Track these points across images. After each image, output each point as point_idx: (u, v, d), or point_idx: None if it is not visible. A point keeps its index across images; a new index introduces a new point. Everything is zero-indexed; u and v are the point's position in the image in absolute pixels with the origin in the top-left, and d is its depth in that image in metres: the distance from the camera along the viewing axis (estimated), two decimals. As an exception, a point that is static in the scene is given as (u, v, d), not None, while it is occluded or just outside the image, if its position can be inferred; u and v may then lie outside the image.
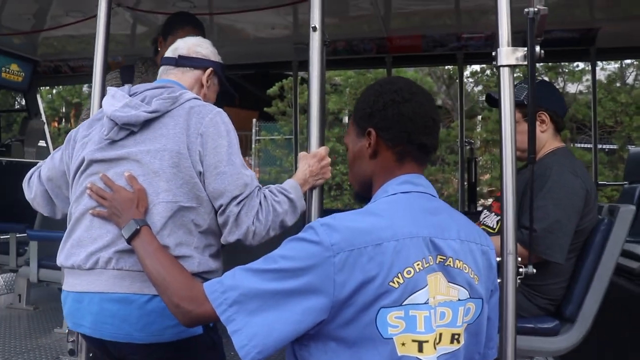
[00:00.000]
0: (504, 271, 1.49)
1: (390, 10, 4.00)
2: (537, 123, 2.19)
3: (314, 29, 1.70)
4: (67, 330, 2.01)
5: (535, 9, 1.54)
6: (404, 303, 1.07)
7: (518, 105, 1.89)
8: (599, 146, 6.37)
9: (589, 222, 2.04)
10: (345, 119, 11.35)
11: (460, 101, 5.24)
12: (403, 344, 1.07)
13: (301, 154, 1.68)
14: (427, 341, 1.08)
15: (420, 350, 1.08)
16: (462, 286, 1.16)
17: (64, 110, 14.21)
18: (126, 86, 1.61)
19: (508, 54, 1.57)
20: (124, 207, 1.42)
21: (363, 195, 1.33)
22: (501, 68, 1.58)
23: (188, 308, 1.15)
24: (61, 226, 3.60)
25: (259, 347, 1.05)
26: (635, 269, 2.57)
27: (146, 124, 1.50)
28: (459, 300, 1.15)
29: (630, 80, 10.77)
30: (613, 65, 10.50)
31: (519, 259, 1.49)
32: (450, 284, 1.14)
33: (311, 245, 1.07)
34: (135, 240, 1.38)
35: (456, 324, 1.15)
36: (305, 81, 2.36)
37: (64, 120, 14.37)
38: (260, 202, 1.47)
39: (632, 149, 4.20)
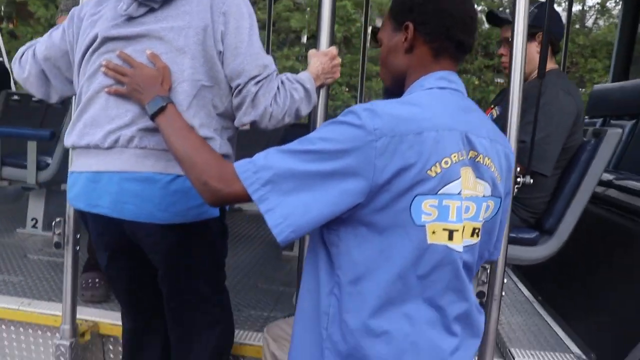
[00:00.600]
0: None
1: None
2: (535, 43, 2.22)
3: None
4: (54, 222, 1.96)
5: None
6: (439, 192, 1.09)
7: None
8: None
9: (575, 141, 2.13)
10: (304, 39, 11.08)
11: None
12: (434, 232, 1.10)
13: (311, 52, 1.64)
14: (457, 230, 1.12)
15: (450, 238, 1.11)
16: (487, 183, 1.19)
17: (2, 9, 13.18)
18: None
19: None
20: (147, 83, 1.37)
21: (393, 91, 1.32)
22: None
23: (217, 186, 1.13)
24: (24, 122, 3.44)
25: (293, 226, 1.05)
26: (600, 193, 2.74)
27: (168, 0, 1.43)
28: (484, 196, 1.19)
29: (589, 24, 10.97)
30: (575, 7, 10.65)
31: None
32: (478, 179, 1.17)
33: (353, 129, 1.06)
34: (160, 117, 1.33)
35: (478, 219, 1.19)
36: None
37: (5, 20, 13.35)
38: (278, 86, 1.45)
39: (596, 86, 4.31)
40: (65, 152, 2.33)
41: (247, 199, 1.09)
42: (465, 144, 1.14)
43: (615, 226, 2.54)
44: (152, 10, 1.43)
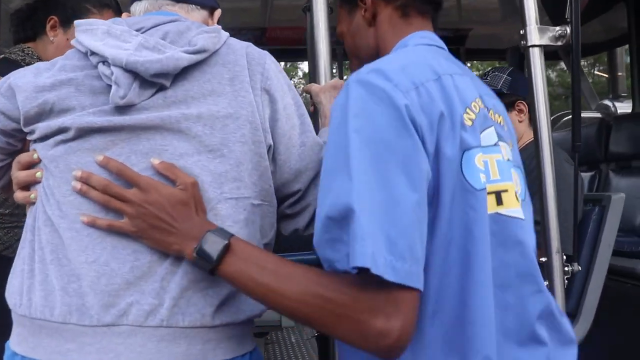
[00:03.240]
0: (552, 272, 1.40)
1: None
2: (515, 112, 2.12)
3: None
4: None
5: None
6: (480, 145, 0.88)
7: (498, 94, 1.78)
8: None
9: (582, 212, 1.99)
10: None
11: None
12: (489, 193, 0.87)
13: (315, 87, 1.30)
14: (505, 191, 0.90)
15: (500, 203, 0.89)
16: (507, 144, 0.97)
17: None
18: (117, 18, 1.04)
19: (539, 33, 1.43)
20: (178, 215, 0.87)
21: None
22: (531, 49, 1.44)
23: (388, 323, 0.71)
24: None
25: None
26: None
27: (183, 74, 0.94)
28: (508, 160, 0.96)
29: None
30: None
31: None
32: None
33: (388, 108, 0.79)
34: (227, 264, 0.83)
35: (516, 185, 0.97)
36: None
37: None
38: None
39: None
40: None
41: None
42: (476, 93, 0.93)
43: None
44: (161, 89, 0.93)
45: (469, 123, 0.86)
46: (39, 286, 0.90)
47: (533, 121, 1.46)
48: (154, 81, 0.92)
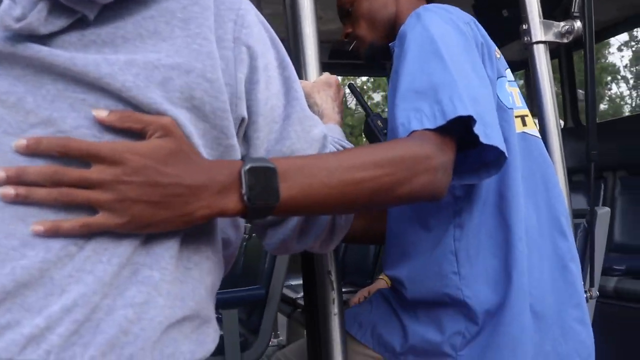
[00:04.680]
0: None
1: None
2: None
3: None
4: None
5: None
6: (508, 78, 1.04)
7: None
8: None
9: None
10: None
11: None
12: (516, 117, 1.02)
13: (306, 86, 1.05)
14: (527, 116, 1.06)
15: (525, 124, 1.04)
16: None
17: None
18: None
19: (544, 28, 1.30)
20: (176, 171, 0.60)
21: (380, 46, 1.17)
22: (535, 46, 1.31)
23: (439, 159, 0.77)
24: None
25: None
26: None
27: (116, 5, 0.65)
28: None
29: (352, 105, 11.93)
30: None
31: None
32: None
33: (456, 29, 0.93)
34: (288, 189, 0.64)
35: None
36: None
37: None
38: None
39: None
40: None
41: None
42: None
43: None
44: (79, 22, 0.63)
45: (498, 56, 1.01)
46: None
47: (540, 127, 1.31)
48: (70, 7, 0.61)
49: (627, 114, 15.09)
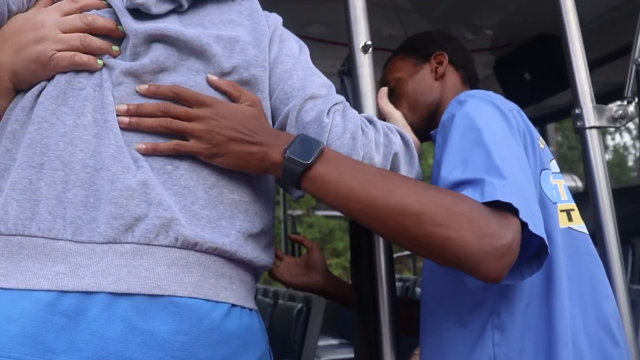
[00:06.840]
0: None
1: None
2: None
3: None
4: None
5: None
6: (552, 170, 1.01)
7: None
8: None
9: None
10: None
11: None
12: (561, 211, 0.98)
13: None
14: (573, 210, 1.01)
15: (570, 219, 1.00)
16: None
17: None
18: None
19: (597, 113, 1.26)
20: (253, 127, 0.81)
21: (424, 131, 1.16)
22: (587, 131, 1.27)
23: (500, 238, 0.75)
24: None
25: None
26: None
27: (200, 3, 0.91)
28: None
29: None
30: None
31: None
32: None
33: (499, 114, 0.92)
34: (321, 166, 0.79)
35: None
36: None
37: None
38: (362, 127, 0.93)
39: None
40: None
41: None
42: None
43: None
44: (177, 11, 0.88)
45: (542, 146, 1.00)
46: (18, 195, 0.73)
47: (595, 214, 1.26)
48: None
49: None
